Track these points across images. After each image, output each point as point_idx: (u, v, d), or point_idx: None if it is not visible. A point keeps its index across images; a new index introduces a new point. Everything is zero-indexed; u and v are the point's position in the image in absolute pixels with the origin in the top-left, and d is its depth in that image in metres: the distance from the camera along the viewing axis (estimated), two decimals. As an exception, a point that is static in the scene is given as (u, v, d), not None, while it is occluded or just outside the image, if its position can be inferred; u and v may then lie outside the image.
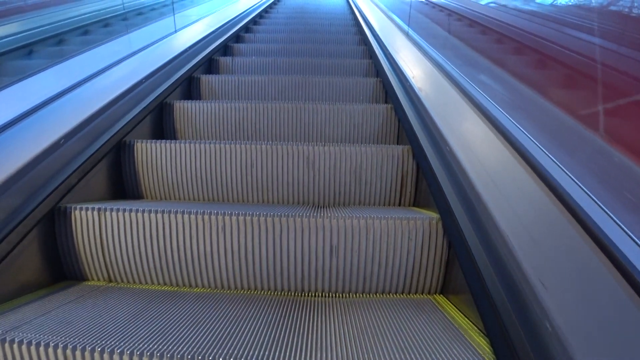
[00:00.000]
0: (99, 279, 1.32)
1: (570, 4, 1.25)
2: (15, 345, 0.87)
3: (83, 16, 2.89)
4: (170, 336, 0.92)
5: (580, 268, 0.74)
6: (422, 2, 3.15)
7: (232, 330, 0.97)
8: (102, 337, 0.90)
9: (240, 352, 0.87)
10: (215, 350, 0.87)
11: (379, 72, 2.80)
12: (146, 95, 2.03)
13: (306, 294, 1.28)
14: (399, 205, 1.74)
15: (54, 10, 2.75)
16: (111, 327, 0.95)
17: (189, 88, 2.60)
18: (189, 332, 0.95)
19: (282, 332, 0.98)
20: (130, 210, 1.26)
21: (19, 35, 2.32)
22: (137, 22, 3.31)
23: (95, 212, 1.27)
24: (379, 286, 1.28)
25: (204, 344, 0.89)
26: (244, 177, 1.71)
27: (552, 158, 0.95)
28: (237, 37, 3.83)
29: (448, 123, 1.55)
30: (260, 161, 1.70)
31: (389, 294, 1.29)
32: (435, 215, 1.28)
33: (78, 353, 0.85)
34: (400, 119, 2.04)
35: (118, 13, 3.16)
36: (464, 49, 2.05)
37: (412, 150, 1.71)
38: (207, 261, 1.27)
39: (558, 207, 0.84)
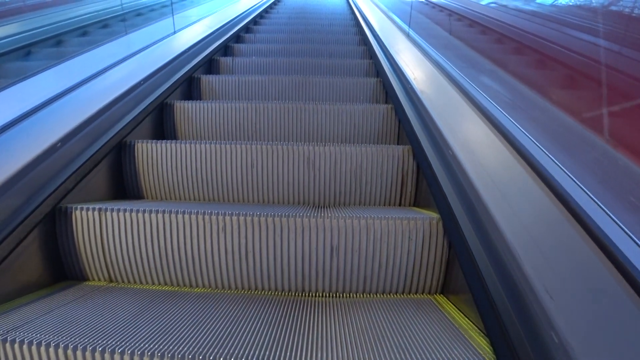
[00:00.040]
0: (99, 279, 1.32)
1: (571, 4, 1.26)
2: (16, 345, 0.87)
3: (82, 17, 2.89)
4: (171, 336, 0.93)
5: (580, 268, 0.74)
6: (423, 2, 3.15)
7: (233, 330, 0.97)
8: (103, 336, 0.90)
9: (241, 352, 0.87)
10: (215, 350, 0.87)
11: (379, 72, 2.80)
12: (146, 96, 2.03)
13: (306, 294, 1.28)
14: (399, 205, 1.75)
15: (54, 10, 2.76)
16: (112, 327, 0.95)
17: (190, 88, 2.60)
18: (189, 331, 0.95)
19: (283, 332, 0.99)
20: (131, 211, 1.27)
21: (21, 35, 2.32)
22: (137, 23, 3.31)
23: (96, 212, 1.28)
24: (380, 286, 1.29)
25: (204, 344, 0.89)
26: (244, 177, 1.71)
27: (552, 158, 0.95)
28: (237, 37, 3.84)
29: (449, 123, 1.55)
30: (261, 161, 1.70)
31: (389, 294, 1.29)
32: (435, 216, 1.28)
33: (79, 353, 0.85)
34: (401, 119, 2.04)
35: (117, 14, 3.16)
36: (465, 50, 2.05)
37: (413, 150, 1.71)
38: (207, 261, 1.27)
39: (558, 207, 0.84)
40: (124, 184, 1.74)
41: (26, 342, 0.87)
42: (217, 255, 1.27)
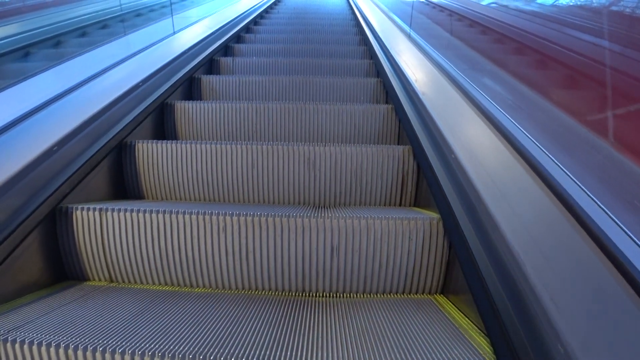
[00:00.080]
0: (100, 279, 1.32)
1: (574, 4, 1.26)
2: (17, 345, 0.87)
3: (82, 17, 2.89)
4: (171, 336, 0.93)
5: (580, 267, 0.74)
6: (423, 3, 3.15)
7: (233, 330, 0.97)
8: (104, 336, 0.90)
9: (241, 352, 0.87)
10: (216, 350, 0.87)
11: (379, 72, 2.80)
12: (147, 96, 2.03)
13: (307, 294, 1.28)
14: (400, 205, 1.75)
15: (54, 11, 2.76)
16: (112, 327, 0.95)
17: (190, 89, 2.60)
18: (190, 331, 0.95)
19: (283, 332, 0.99)
20: (132, 211, 1.27)
21: (24, 35, 2.32)
22: (137, 23, 3.31)
23: (97, 213, 1.28)
24: (380, 286, 1.29)
25: (205, 344, 0.89)
26: (244, 177, 1.71)
27: (552, 158, 0.95)
28: (237, 38, 3.84)
29: (449, 124, 1.55)
30: (261, 161, 1.70)
31: (389, 294, 1.29)
32: (435, 216, 1.28)
33: (80, 353, 0.86)
34: (401, 119, 2.04)
35: (116, 15, 3.16)
36: (466, 50, 2.05)
37: (413, 151, 1.71)
38: (207, 261, 1.27)
39: (558, 207, 0.84)
40: (124, 184, 1.75)
41: (27, 342, 0.87)
42: (218, 255, 1.27)
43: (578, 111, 1.03)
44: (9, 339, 0.87)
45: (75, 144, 1.45)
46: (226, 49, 3.45)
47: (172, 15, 3.13)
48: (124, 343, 0.88)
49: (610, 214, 0.73)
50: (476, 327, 0.98)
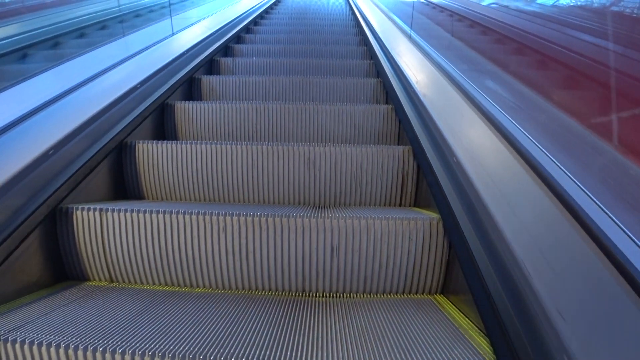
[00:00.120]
0: (100, 279, 1.32)
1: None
2: (17, 345, 0.87)
3: (80, 18, 2.89)
4: (172, 336, 0.93)
5: (580, 267, 0.74)
6: (424, 3, 3.15)
7: (233, 330, 0.97)
8: (104, 336, 0.90)
9: (241, 352, 0.87)
10: (216, 350, 0.87)
11: (379, 72, 2.80)
12: (147, 97, 2.03)
13: (307, 294, 1.28)
14: (400, 205, 1.75)
15: (54, 11, 2.76)
16: (112, 327, 0.95)
17: (190, 89, 2.60)
18: (190, 331, 0.95)
19: (283, 332, 0.99)
20: (132, 211, 1.27)
21: (22, 36, 2.33)
22: (136, 24, 3.30)
23: (97, 213, 1.28)
24: (380, 286, 1.29)
25: (205, 344, 0.90)
26: (245, 177, 1.71)
27: (552, 158, 0.95)
28: (238, 38, 3.84)
29: (449, 124, 1.55)
30: (261, 162, 1.70)
31: (389, 294, 1.29)
32: (435, 216, 1.28)
33: (80, 353, 0.86)
34: (401, 119, 2.04)
35: (116, 15, 3.16)
36: (467, 51, 2.05)
37: (413, 151, 1.71)
38: (208, 261, 1.28)
39: (558, 207, 0.84)
40: (124, 185, 1.75)
41: (27, 342, 0.87)
42: (218, 255, 1.27)
43: (577, 111, 1.04)
44: (10, 338, 0.88)
45: (75, 145, 1.45)
46: (226, 50, 3.46)
47: (170, 16, 3.13)
48: (124, 343, 0.88)
49: (610, 214, 0.73)
50: (476, 327, 0.98)
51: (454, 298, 1.19)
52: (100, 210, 1.28)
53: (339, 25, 4.66)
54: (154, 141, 1.72)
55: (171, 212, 1.26)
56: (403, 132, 2.05)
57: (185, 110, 2.14)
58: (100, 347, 0.86)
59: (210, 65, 3.03)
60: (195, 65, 2.66)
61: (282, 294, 1.28)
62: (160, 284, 1.30)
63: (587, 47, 1.07)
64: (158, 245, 1.27)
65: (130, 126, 1.79)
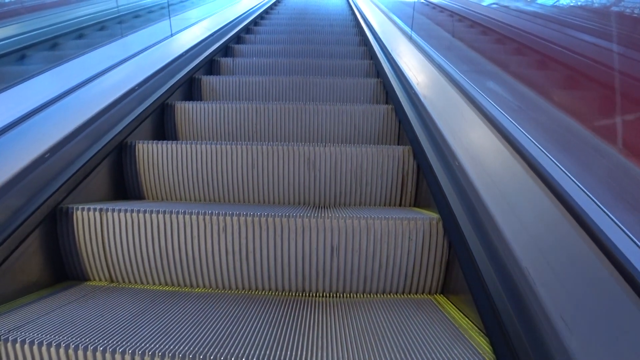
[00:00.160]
0: (100, 279, 1.32)
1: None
2: (17, 345, 0.87)
3: (79, 19, 2.89)
4: (172, 336, 0.93)
5: (579, 266, 0.74)
6: (424, 4, 3.15)
7: (233, 330, 0.97)
8: (104, 336, 0.90)
9: (241, 352, 0.88)
10: (216, 350, 0.87)
11: (379, 72, 2.80)
12: (147, 97, 2.04)
13: (307, 294, 1.28)
14: (400, 205, 1.75)
15: (52, 12, 2.76)
16: (113, 327, 0.95)
17: (190, 89, 2.60)
18: (190, 331, 0.95)
19: (283, 332, 0.99)
20: (132, 211, 1.27)
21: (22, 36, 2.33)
22: (135, 25, 3.30)
23: (97, 213, 1.28)
24: (380, 286, 1.29)
25: (205, 344, 0.90)
26: (245, 177, 1.72)
27: (551, 157, 0.95)
28: (238, 38, 3.84)
29: (449, 124, 1.55)
30: (261, 162, 1.70)
31: (389, 294, 1.29)
32: (435, 216, 1.28)
33: (80, 352, 0.86)
34: (401, 119, 2.04)
35: (114, 16, 3.15)
36: (467, 51, 2.06)
37: (413, 151, 1.71)
38: (208, 261, 1.28)
39: (557, 207, 0.84)
40: (124, 185, 1.75)
41: (27, 341, 0.87)
42: (218, 255, 1.27)
43: (577, 111, 1.04)
44: (10, 338, 0.88)
45: (75, 145, 1.45)
46: (226, 50, 3.46)
47: (169, 17, 3.13)
48: (124, 343, 0.88)
49: (610, 214, 0.73)
50: (476, 327, 0.98)
51: (454, 298, 1.19)
52: (101, 210, 1.28)
53: (339, 25, 4.66)
54: (154, 141, 1.72)
55: (171, 212, 1.26)
56: (403, 132, 2.05)
57: (185, 110, 2.14)
58: (100, 347, 0.86)
59: (211, 66, 3.03)
60: (195, 66, 2.66)
61: (282, 293, 1.28)
62: (160, 284, 1.31)
63: (587, 47, 1.07)
64: (158, 245, 1.27)
65: (131, 126, 1.79)
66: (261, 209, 1.39)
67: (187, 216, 1.26)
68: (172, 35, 2.98)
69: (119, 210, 1.27)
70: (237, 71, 3.06)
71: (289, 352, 0.89)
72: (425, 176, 1.55)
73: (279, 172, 1.71)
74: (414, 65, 2.38)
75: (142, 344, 0.88)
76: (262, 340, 0.94)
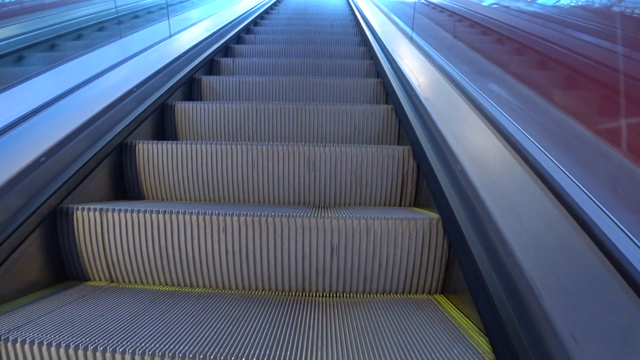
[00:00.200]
0: (100, 279, 1.33)
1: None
2: (18, 345, 0.87)
3: (78, 19, 2.89)
4: (172, 335, 0.93)
5: (579, 266, 0.74)
6: (424, 4, 3.15)
7: (233, 330, 0.97)
8: (105, 336, 0.91)
9: (241, 352, 0.88)
10: (216, 350, 0.87)
11: (379, 72, 2.80)
12: (147, 97, 2.04)
13: (307, 294, 1.28)
14: (400, 205, 1.75)
15: (51, 13, 2.76)
16: (113, 327, 0.95)
17: (190, 89, 2.60)
18: (190, 331, 0.95)
19: (283, 332, 0.99)
20: (132, 211, 1.27)
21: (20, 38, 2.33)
22: (135, 25, 3.30)
23: (97, 213, 1.28)
24: (380, 286, 1.29)
25: (205, 343, 0.90)
26: (245, 177, 1.72)
27: (551, 157, 0.96)
28: (238, 39, 3.84)
29: (449, 124, 1.55)
30: (261, 162, 1.70)
31: (389, 294, 1.29)
32: (435, 216, 1.28)
33: (80, 352, 0.86)
34: (401, 119, 2.04)
35: (113, 17, 3.15)
36: (467, 51, 2.06)
37: (413, 151, 1.71)
38: (208, 261, 1.28)
39: (557, 206, 0.84)
40: (125, 185, 1.75)
41: (28, 341, 0.87)
42: (218, 255, 1.27)
43: (577, 111, 1.04)
44: (10, 338, 0.88)
45: (75, 145, 1.46)
46: (226, 50, 3.46)
47: (168, 18, 3.13)
48: (124, 343, 0.88)
49: (609, 214, 0.73)
50: (476, 327, 0.98)
51: (454, 298, 1.19)
52: (101, 210, 1.28)
53: (339, 25, 4.66)
54: (154, 141, 1.72)
55: (171, 212, 1.26)
56: (403, 132, 2.05)
57: (185, 110, 2.15)
58: (100, 347, 0.86)
59: (211, 66, 3.03)
60: (195, 66, 2.66)
61: (282, 293, 1.28)
62: (160, 284, 1.31)
63: (587, 47, 1.08)
64: (158, 245, 1.27)
65: (131, 126, 1.80)
66: (261, 209, 1.39)
67: (187, 216, 1.26)
68: (171, 35, 2.98)
69: (119, 210, 1.27)
70: (237, 71, 3.06)
71: (289, 352, 0.90)
72: (425, 176, 1.55)
73: (278, 172, 1.71)
74: (414, 66, 2.38)
75: (142, 344, 0.88)
76: (262, 340, 0.94)
